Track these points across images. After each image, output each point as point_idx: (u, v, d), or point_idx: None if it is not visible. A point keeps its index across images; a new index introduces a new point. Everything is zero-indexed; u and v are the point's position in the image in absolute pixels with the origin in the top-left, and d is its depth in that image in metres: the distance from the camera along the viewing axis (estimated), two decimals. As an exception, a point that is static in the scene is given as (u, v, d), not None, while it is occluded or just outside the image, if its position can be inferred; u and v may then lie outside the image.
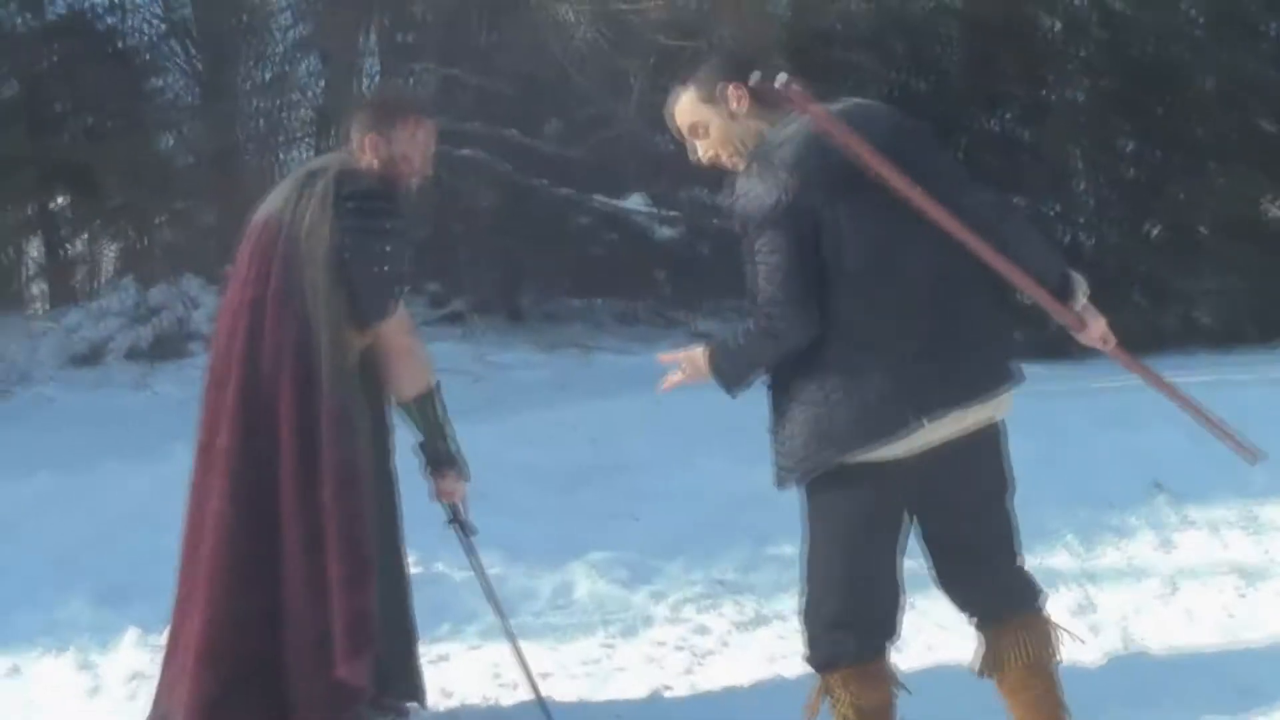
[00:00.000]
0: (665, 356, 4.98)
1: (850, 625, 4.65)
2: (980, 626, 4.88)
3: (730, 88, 4.74)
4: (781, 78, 4.57)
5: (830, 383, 4.48)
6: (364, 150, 5.45)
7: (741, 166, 4.70)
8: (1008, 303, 4.75)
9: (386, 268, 5.31)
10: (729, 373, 4.74)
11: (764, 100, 4.72)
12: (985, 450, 4.67)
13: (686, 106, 4.86)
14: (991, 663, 4.85)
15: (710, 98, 4.78)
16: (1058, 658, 4.86)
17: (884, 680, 4.75)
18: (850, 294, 4.44)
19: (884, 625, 4.74)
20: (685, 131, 4.90)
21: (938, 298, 4.48)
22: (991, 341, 4.60)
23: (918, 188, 4.41)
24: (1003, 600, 4.82)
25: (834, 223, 4.43)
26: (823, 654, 4.72)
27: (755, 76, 4.66)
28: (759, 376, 4.72)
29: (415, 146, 5.52)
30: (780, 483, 4.72)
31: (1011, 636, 4.79)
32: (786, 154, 4.52)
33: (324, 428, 5.16)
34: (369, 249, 5.24)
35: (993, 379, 4.56)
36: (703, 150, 4.87)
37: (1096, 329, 4.67)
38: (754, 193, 4.51)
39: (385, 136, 5.46)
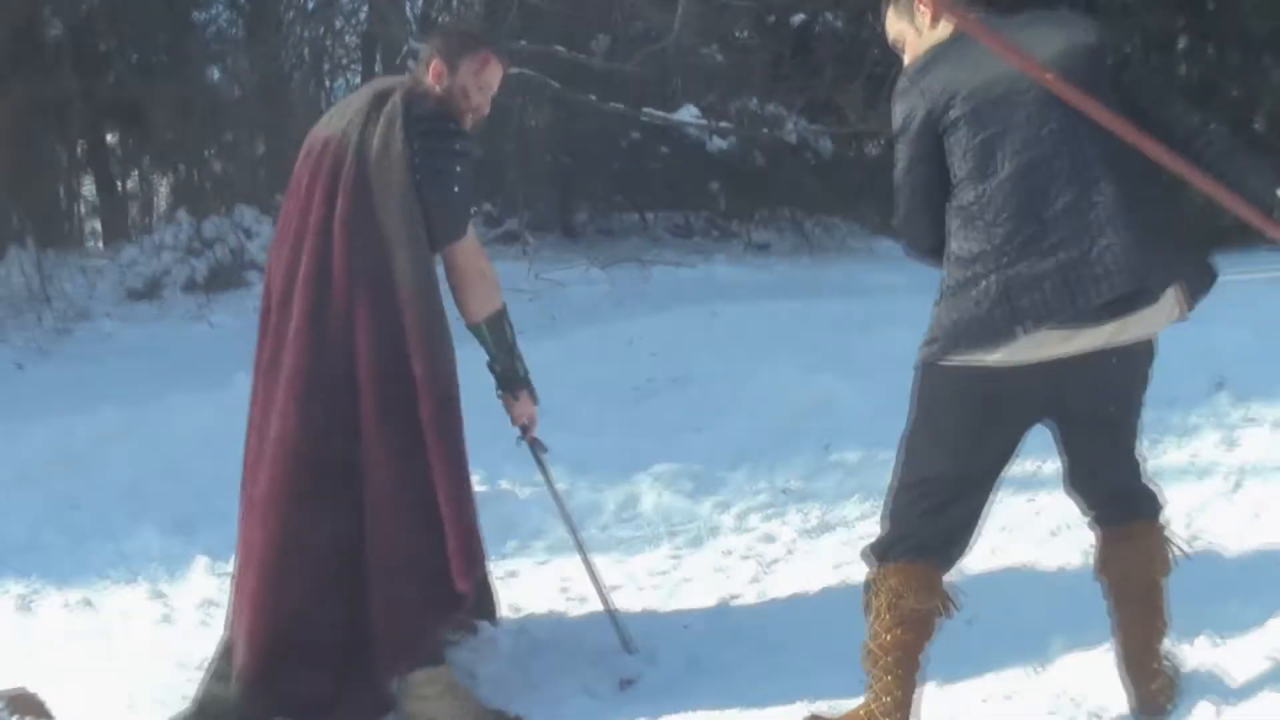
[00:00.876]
0: None
1: (915, 521, 4.63)
2: (1096, 525, 4.90)
3: (919, 3, 4.80)
4: None
5: (951, 280, 4.50)
6: (428, 75, 5.45)
7: None
8: (1174, 227, 4.58)
9: (458, 189, 5.31)
10: None
11: (949, 9, 4.72)
12: (1117, 369, 4.55)
13: (889, 22, 4.95)
14: (1101, 565, 4.87)
15: (904, 13, 4.87)
16: (1167, 570, 4.85)
17: (930, 590, 4.68)
18: (974, 192, 4.44)
19: (950, 533, 4.68)
20: (893, 44, 4.98)
21: (1078, 214, 4.37)
22: (1133, 264, 4.34)
23: (1087, 99, 4.32)
24: (1118, 507, 4.82)
25: (962, 135, 4.45)
26: (880, 544, 4.72)
27: None
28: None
29: (477, 84, 5.51)
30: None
31: (1124, 544, 4.81)
32: (916, 71, 4.62)
33: (414, 347, 5.17)
34: (442, 170, 5.24)
35: (1120, 303, 4.36)
36: (906, 63, 4.89)
37: None
38: (894, 109, 4.62)
39: (451, 66, 5.45)
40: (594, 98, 19.61)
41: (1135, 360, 4.60)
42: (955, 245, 4.49)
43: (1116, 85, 4.50)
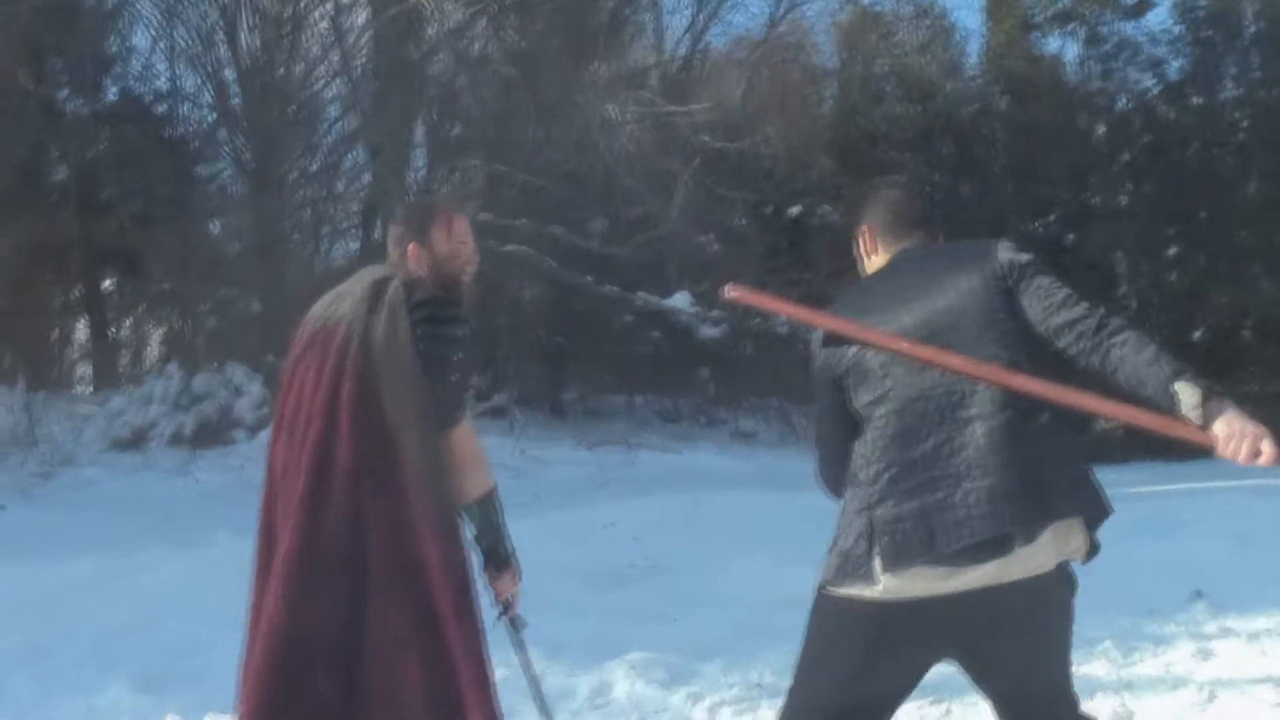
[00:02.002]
0: None
1: None
2: None
3: (861, 229, 4.91)
4: (725, 290, 4.75)
5: (842, 514, 4.51)
6: (410, 262, 5.48)
7: None
8: (1070, 459, 4.44)
9: (457, 376, 5.33)
10: None
11: (888, 243, 4.83)
12: (1012, 607, 4.38)
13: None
14: None
15: (857, 235, 4.95)
16: None
17: None
18: (859, 438, 4.47)
19: None
20: None
21: (946, 456, 4.33)
22: (996, 510, 4.24)
23: (929, 347, 4.36)
24: None
25: (853, 381, 4.49)
26: None
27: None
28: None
29: (457, 242, 5.55)
30: None
31: None
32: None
33: (426, 532, 5.15)
34: (443, 357, 5.25)
35: (995, 544, 4.24)
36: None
37: (1223, 441, 4.08)
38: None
39: (425, 244, 5.49)
40: (589, 279, 19.78)
41: (1035, 596, 4.40)
42: (850, 482, 4.50)
43: (1017, 303, 4.48)
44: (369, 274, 5.52)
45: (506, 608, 5.73)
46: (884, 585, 4.30)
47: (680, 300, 20.65)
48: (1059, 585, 4.44)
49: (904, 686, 4.56)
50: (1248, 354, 24.67)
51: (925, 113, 26.72)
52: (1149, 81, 27.34)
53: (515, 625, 5.81)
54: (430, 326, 5.20)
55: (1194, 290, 25.02)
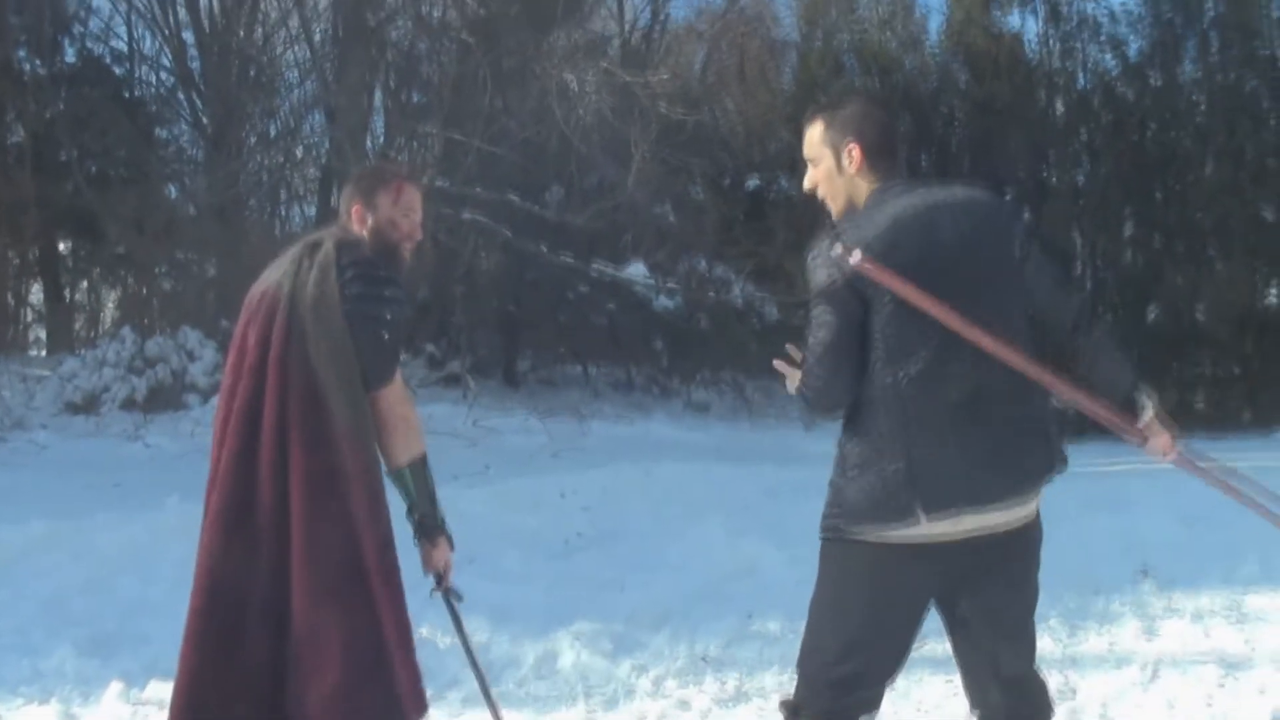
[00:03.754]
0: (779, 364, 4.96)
1: (820, 689, 4.65)
2: None
3: (849, 143, 4.84)
4: (856, 255, 4.66)
5: (855, 455, 4.56)
6: (353, 221, 5.48)
7: (835, 211, 4.81)
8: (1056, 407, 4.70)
9: (388, 335, 5.33)
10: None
11: (875, 166, 4.81)
12: (1003, 553, 4.56)
13: (812, 138, 4.93)
14: None
15: (832, 142, 4.87)
16: None
17: None
18: (889, 376, 4.49)
19: (856, 703, 4.68)
20: (805, 154, 4.97)
21: (977, 396, 4.46)
22: (1028, 446, 4.55)
23: (955, 311, 4.42)
24: (1004, 713, 4.76)
25: (885, 307, 4.50)
26: (791, 705, 4.75)
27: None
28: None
29: (400, 211, 5.54)
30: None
31: None
32: (856, 234, 4.60)
33: (355, 489, 5.15)
34: (373, 316, 5.25)
35: (1017, 484, 4.51)
36: (808, 178, 4.95)
37: (1157, 444, 4.66)
38: (819, 263, 4.61)
39: (369, 206, 5.48)
40: (544, 248, 19.77)
41: (1021, 540, 4.62)
42: (867, 421, 4.54)
43: (1022, 272, 4.64)
44: (306, 238, 5.53)
45: (439, 580, 5.69)
46: (910, 531, 4.46)
47: (635, 271, 20.66)
48: (1036, 535, 4.71)
49: (910, 628, 4.69)
50: (1201, 335, 24.81)
51: (885, 87, 26.72)
52: (1109, 61, 27.44)
53: (450, 598, 5.77)
54: (358, 286, 5.21)
55: (1149, 270, 25.13)
